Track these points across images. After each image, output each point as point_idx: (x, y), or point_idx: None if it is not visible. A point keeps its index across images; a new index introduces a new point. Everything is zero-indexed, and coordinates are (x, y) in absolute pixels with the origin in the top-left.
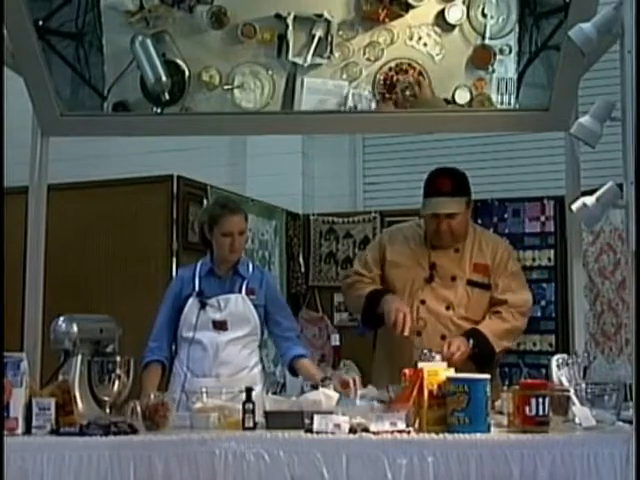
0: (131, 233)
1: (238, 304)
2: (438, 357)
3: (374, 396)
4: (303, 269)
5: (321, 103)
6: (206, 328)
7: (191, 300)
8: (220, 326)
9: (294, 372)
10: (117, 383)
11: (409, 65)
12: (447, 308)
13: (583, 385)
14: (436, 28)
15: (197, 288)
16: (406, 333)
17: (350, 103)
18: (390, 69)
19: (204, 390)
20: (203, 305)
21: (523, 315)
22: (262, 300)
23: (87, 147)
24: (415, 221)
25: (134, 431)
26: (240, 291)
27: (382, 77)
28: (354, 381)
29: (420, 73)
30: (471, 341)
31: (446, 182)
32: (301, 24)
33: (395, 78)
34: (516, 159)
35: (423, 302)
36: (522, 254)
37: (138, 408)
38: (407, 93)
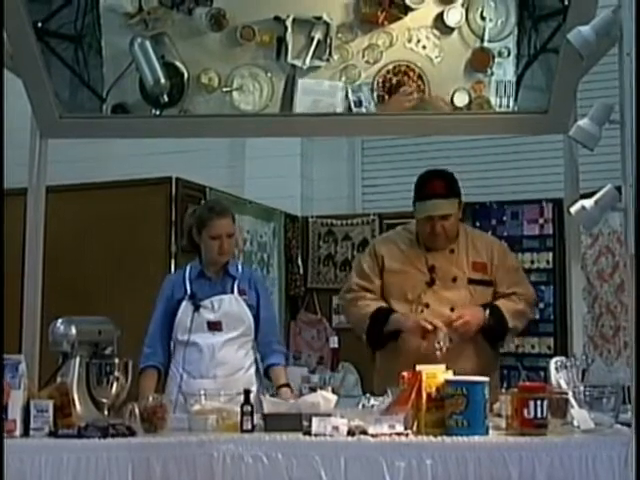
0: (130, 235)
1: (232, 304)
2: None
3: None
4: (302, 271)
5: (315, 104)
6: (201, 330)
7: (184, 303)
8: (215, 327)
9: (269, 378)
10: (115, 385)
11: (408, 67)
12: (451, 310)
13: (581, 388)
14: (435, 31)
15: (189, 291)
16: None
17: (348, 105)
18: (389, 72)
19: (202, 393)
20: (197, 307)
21: (530, 305)
22: (254, 299)
23: (86, 149)
24: (402, 226)
25: (132, 433)
26: (232, 291)
27: (381, 80)
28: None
29: (419, 76)
30: (487, 311)
31: (439, 184)
32: (300, 26)
33: (394, 80)
34: (515, 162)
35: (427, 306)
36: (521, 257)
37: (136, 410)
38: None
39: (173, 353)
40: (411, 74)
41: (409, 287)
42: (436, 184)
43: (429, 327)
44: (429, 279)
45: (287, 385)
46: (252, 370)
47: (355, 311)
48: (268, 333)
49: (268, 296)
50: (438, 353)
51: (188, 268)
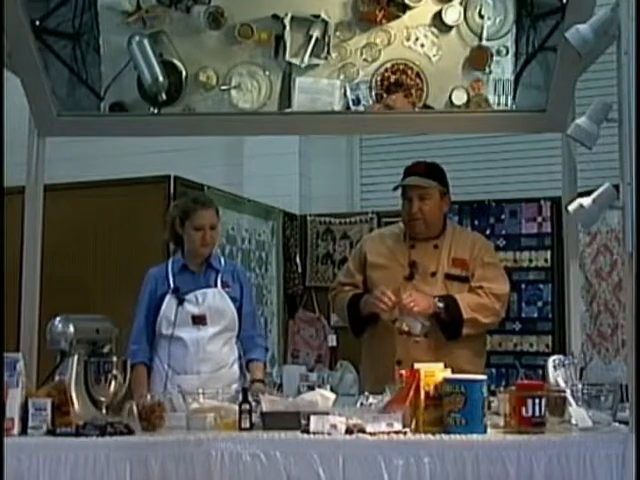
0: (128, 233)
1: (216, 298)
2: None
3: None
4: (300, 270)
5: (313, 102)
6: (185, 324)
7: (168, 297)
8: (199, 321)
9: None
10: (113, 383)
11: (406, 66)
12: None
13: (579, 386)
14: (433, 29)
15: (172, 285)
16: (392, 301)
17: (346, 103)
18: (387, 70)
19: (201, 391)
20: (181, 301)
21: (498, 299)
22: (237, 292)
23: (84, 147)
24: (396, 224)
25: (130, 432)
26: (216, 285)
27: (379, 78)
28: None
29: (417, 74)
30: (437, 299)
31: (418, 165)
32: (298, 25)
33: (393, 79)
34: (513, 160)
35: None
36: (519, 255)
37: (135, 409)
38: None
39: (156, 348)
40: (409, 72)
41: (389, 281)
42: (415, 166)
43: (382, 307)
44: (408, 274)
45: (261, 381)
46: (236, 366)
47: (336, 305)
48: (250, 327)
49: (250, 290)
50: (397, 324)
51: (170, 262)
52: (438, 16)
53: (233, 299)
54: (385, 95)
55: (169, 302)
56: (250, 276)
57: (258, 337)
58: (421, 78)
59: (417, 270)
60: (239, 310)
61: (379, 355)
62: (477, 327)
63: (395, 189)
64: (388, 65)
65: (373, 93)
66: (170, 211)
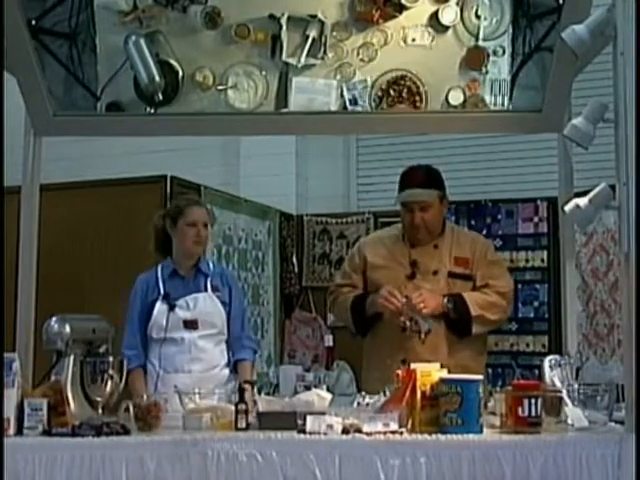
0: (124, 233)
1: (207, 303)
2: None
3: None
4: (296, 270)
5: (310, 102)
6: (177, 329)
7: (159, 304)
8: (191, 325)
9: (237, 373)
10: (109, 383)
11: (402, 66)
12: None
13: (575, 386)
14: (430, 29)
15: (162, 291)
16: (400, 302)
17: (342, 103)
18: (384, 70)
19: (197, 391)
20: (172, 307)
21: (504, 296)
22: (226, 296)
23: (80, 147)
24: (394, 225)
25: (126, 432)
26: (205, 289)
27: (376, 78)
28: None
29: (414, 74)
30: (445, 299)
31: (416, 175)
32: (295, 25)
33: (389, 78)
34: (509, 160)
35: (407, 298)
36: (515, 255)
37: (131, 408)
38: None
39: (148, 352)
40: (405, 72)
41: (390, 280)
42: (414, 175)
43: (390, 307)
44: (410, 272)
45: (250, 382)
46: (227, 369)
47: (338, 307)
48: (239, 329)
49: (240, 292)
50: (403, 319)
51: (159, 268)
52: (434, 16)
53: (223, 303)
54: (382, 94)
55: (160, 308)
56: (246, 276)
57: (246, 339)
58: (417, 78)
59: (419, 269)
60: (229, 314)
61: (383, 354)
62: (486, 324)
63: (396, 202)
64: (385, 65)
65: (370, 93)
66: (155, 220)
